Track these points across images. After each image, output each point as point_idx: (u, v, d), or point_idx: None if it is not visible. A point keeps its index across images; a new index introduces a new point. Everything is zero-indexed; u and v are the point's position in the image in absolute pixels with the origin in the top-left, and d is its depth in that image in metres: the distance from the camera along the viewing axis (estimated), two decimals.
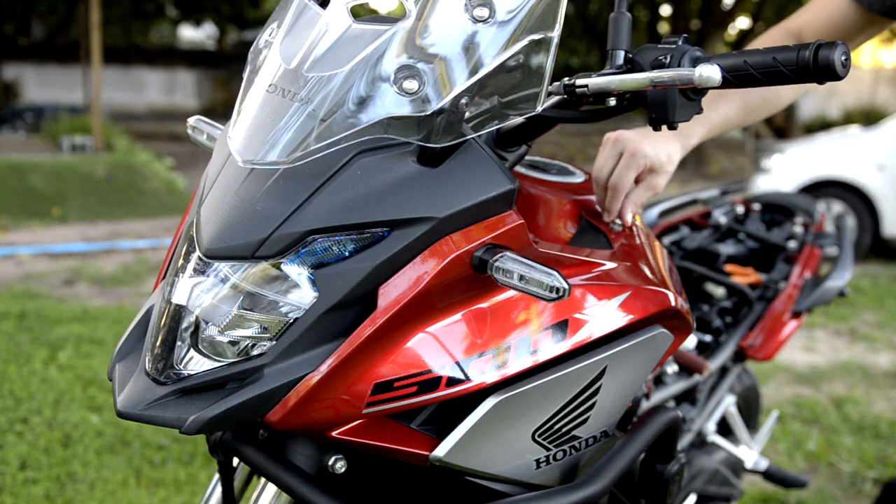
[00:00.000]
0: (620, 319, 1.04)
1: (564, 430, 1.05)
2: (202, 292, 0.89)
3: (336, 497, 0.95)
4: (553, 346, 0.97)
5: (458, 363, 0.92)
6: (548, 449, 1.04)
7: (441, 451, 0.94)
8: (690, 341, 1.92)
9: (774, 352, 1.99)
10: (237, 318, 0.88)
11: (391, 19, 0.92)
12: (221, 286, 0.88)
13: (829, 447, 3.34)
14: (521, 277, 0.87)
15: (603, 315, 1.02)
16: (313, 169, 0.88)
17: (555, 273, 0.85)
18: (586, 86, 0.98)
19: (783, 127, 18.70)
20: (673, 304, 1.12)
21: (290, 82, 0.91)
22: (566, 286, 0.85)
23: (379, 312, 0.88)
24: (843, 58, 0.90)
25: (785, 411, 3.69)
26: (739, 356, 1.99)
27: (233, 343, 0.89)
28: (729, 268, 2.13)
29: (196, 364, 0.90)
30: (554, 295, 0.85)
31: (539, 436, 1.03)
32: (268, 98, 0.92)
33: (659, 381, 1.66)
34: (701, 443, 1.92)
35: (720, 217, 2.23)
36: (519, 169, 1.27)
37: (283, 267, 0.87)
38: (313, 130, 0.88)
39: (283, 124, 0.89)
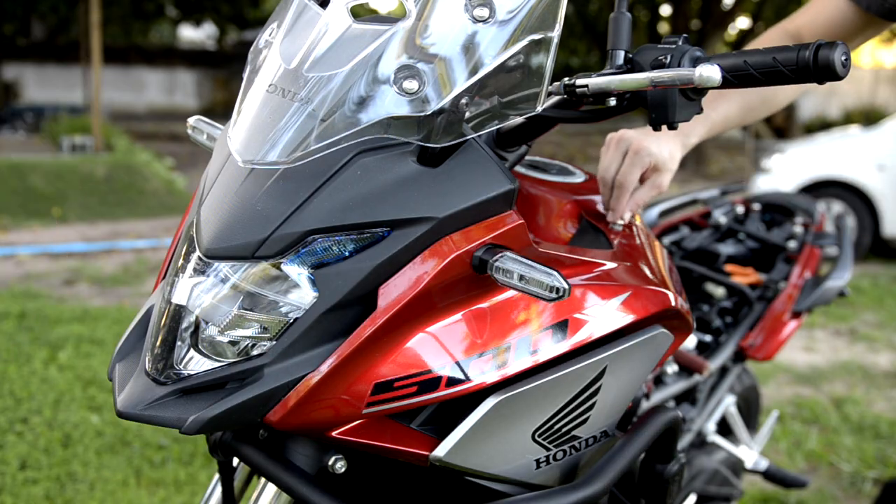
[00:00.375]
0: (621, 319, 1.04)
1: (564, 430, 1.05)
2: (202, 292, 0.89)
3: (336, 497, 0.95)
4: (553, 346, 0.97)
5: (458, 363, 0.92)
6: (548, 449, 1.04)
7: (441, 451, 0.94)
8: (690, 341, 1.92)
9: (774, 352, 1.99)
10: (237, 318, 0.88)
11: (391, 19, 0.92)
12: (221, 286, 0.88)
13: (829, 447, 3.34)
14: (521, 277, 0.87)
15: (603, 315, 1.02)
16: (313, 169, 0.88)
17: (555, 273, 0.85)
18: (586, 86, 0.98)
19: (783, 127, 18.68)
20: (673, 304, 1.12)
21: (291, 82, 0.91)
22: (566, 286, 0.85)
23: (379, 312, 0.88)
24: (843, 58, 0.90)
25: (785, 411, 3.69)
26: (739, 356, 1.99)
27: (233, 343, 0.89)
28: (729, 268, 2.13)
29: (196, 364, 0.90)
30: (554, 295, 0.85)
31: (539, 436, 1.03)
32: (268, 98, 0.92)
33: (659, 381, 1.66)
34: (701, 443, 1.92)
35: (720, 217, 2.23)
36: (519, 169, 1.27)
37: (283, 267, 0.87)
38: (313, 130, 0.88)
39: (283, 124, 0.89)
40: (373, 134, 0.88)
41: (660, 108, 0.99)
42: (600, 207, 1.27)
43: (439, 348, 0.92)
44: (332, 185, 0.88)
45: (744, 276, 2.10)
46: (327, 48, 0.91)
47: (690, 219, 2.24)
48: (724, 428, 2.01)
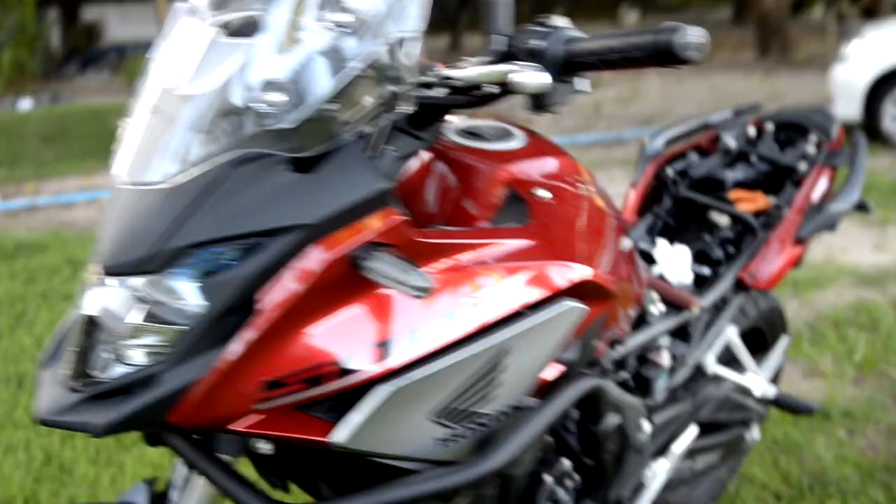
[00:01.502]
0: (519, 299, 1.06)
1: (465, 409, 1.08)
2: (106, 304, 0.96)
3: (251, 485, 1.03)
4: (442, 334, 1.01)
5: (345, 357, 0.97)
6: (452, 427, 1.08)
7: (338, 437, 1.00)
8: (687, 276, 1.91)
9: (775, 281, 1.97)
10: (137, 329, 0.94)
11: (253, 31, 0.94)
12: (121, 299, 0.95)
13: (883, 353, 3.26)
14: (389, 277, 0.90)
15: (498, 298, 1.05)
16: (193, 185, 0.93)
17: (418, 272, 0.89)
18: (455, 78, 0.99)
19: (871, 6, 16.76)
20: (590, 276, 1.13)
21: (166, 102, 0.95)
22: (428, 285, 0.88)
23: (262, 316, 0.93)
24: (691, 41, 0.89)
25: (842, 317, 3.62)
26: (740, 286, 1.96)
27: (137, 350, 0.95)
28: (736, 193, 2.09)
29: (107, 371, 0.97)
30: (418, 293, 0.89)
31: (438, 417, 1.07)
32: (147, 118, 0.97)
33: (642, 321, 1.66)
34: (714, 375, 1.92)
35: (730, 140, 2.16)
36: (452, 137, 1.27)
37: (171, 279, 0.93)
38: (190, 148, 0.93)
39: (161, 144, 0.94)
40: (246, 147, 0.92)
41: (536, 95, 1.00)
42: (532, 174, 1.26)
43: (326, 344, 0.97)
44: (212, 199, 0.92)
45: (751, 202, 2.06)
46: (197, 66, 0.95)
47: (699, 145, 2.19)
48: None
